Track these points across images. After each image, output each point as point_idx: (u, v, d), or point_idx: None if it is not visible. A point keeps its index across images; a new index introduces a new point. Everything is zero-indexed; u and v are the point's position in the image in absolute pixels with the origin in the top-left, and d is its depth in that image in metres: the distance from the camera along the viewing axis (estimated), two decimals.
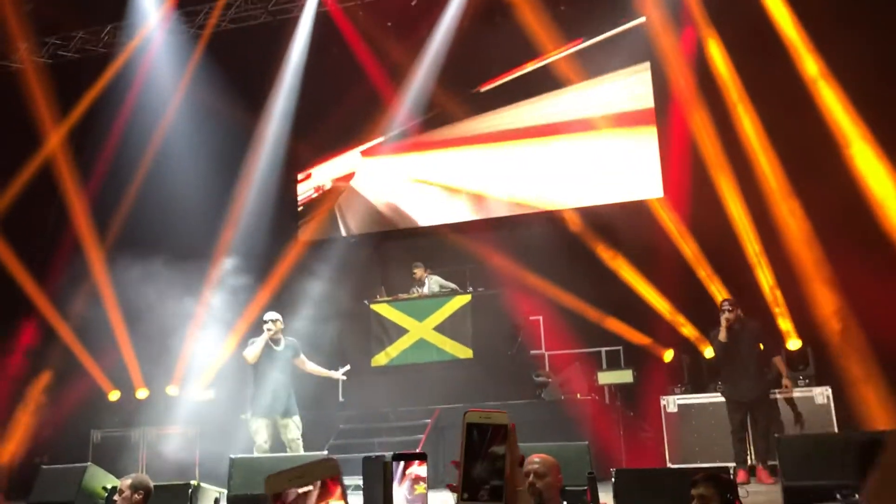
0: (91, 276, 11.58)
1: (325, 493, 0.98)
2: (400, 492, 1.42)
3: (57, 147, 11.90)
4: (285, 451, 7.62)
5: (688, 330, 10.04)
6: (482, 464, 0.99)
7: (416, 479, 1.42)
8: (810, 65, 9.99)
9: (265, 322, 7.88)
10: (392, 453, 1.41)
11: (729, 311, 7.95)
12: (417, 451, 1.40)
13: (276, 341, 7.86)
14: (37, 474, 7.31)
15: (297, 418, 7.75)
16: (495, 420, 1.01)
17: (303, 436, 7.80)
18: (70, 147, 11.99)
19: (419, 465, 1.45)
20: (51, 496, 6.92)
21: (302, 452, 7.45)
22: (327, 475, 0.98)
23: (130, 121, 12.09)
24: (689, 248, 10.31)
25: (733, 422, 8.00)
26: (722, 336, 7.96)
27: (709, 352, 9.49)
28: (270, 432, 7.64)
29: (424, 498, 1.43)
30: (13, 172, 11.58)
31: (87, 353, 11.18)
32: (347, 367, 8.50)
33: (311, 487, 0.97)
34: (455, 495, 0.99)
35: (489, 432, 1.01)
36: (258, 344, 7.79)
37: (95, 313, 11.21)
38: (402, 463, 1.42)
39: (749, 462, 7.96)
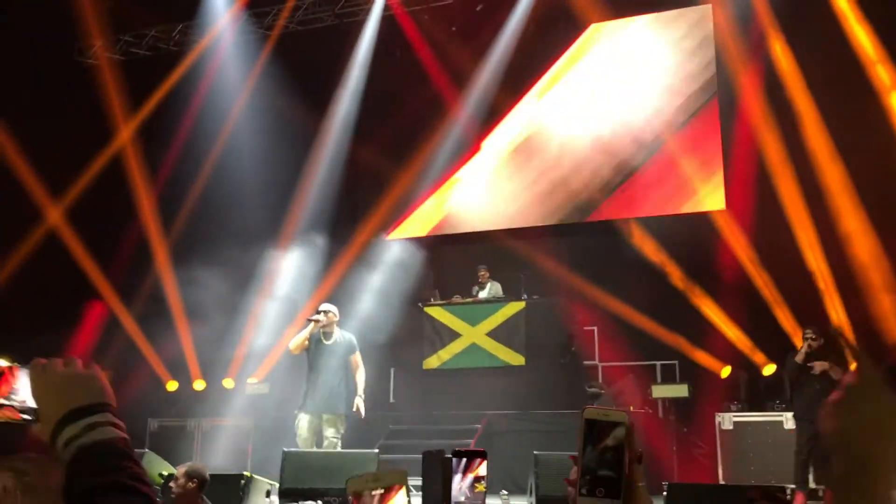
0: (155, 268, 11.87)
1: (390, 496, 1.13)
2: (460, 488, 1.43)
3: (127, 141, 12.23)
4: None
5: (745, 346, 9.83)
6: (599, 460, 1.00)
7: (478, 478, 1.42)
8: (883, 74, 9.71)
9: (317, 312, 7.51)
10: (453, 449, 1.41)
11: (813, 339, 7.73)
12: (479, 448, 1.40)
13: (327, 335, 7.43)
14: None
15: (340, 417, 7.29)
16: (614, 417, 1.02)
17: (347, 434, 7.46)
18: (139, 142, 12.31)
19: (480, 463, 1.45)
20: None
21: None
22: (397, 482, 1.13)
23: (198, 118, 12.36)
24: (750, 263, 10.09)
25: (800, 441, 7.73)
26: (799, 357, 7.74)
27: (768, 369, 9.28)
28: (314, 428, 7.26)
29: (483, 497, 1.43)
30: (85, 164, 11.93)
31: (148, 343, 11.46)
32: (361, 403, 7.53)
33: (382, 491, 1.12)
34: (572, 490, 1.00)
35: (606, 429, 1.02)
36: (302, 334, 7.47)
37: (158, 304, 11.49)
38: (463, 460, 1.43)
39: (809, 485, 7.74)
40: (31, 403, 1.16)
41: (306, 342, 7.43)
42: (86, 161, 11.98)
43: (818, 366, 7.63)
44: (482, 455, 1.46)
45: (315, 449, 7.17)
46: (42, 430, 1.14)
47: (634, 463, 1.01)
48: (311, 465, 6.47)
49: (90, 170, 11.95)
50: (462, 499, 1.43)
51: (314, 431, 7.27)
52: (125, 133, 12.22)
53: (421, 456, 2.79)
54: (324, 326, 7.40)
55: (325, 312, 7.42)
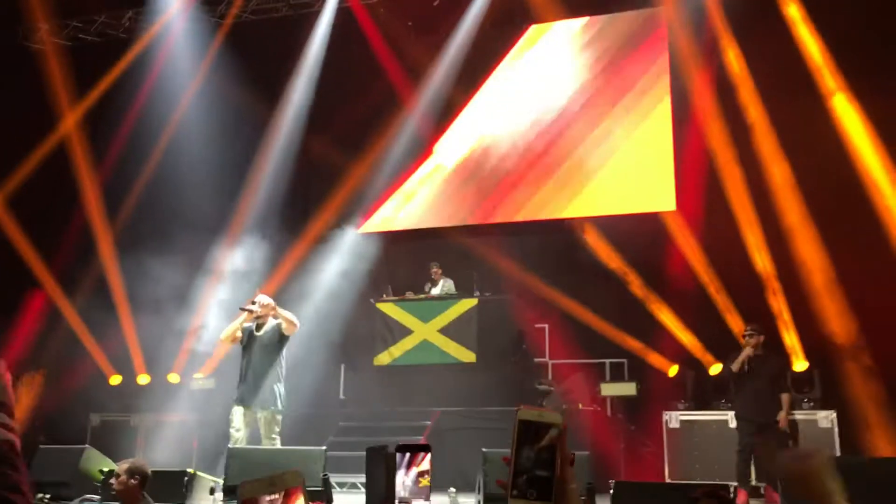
0: (99, 258, 11.59)
1: (288, 500, 1.08)
2: (404, 483, 1.38)
3: (72, 129, 11.91)
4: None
5: (693, 346, 9.96)
6: (532, 461, 0.98)
7: (421, 473, 1.38)
8: (829, 79, 9.93)
9: (252, 302, 7.11)
10: (396, 444, 1.37)
11: (749, 336, 7.84)
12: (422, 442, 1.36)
13: (259, 326, 7.07)
14: (34, 453, 7.30)
15: (273, 414, 6.90)
16: (548, 419, 1.00)
17: (294, 431, 7.31)
18: (85, 129, 12.00)
19: (423, 457, 1.41)
20: (48, 475, 6.91)
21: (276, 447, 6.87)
22: (294, 484, 1.08)
23: (146, 107, 12.10)
24: (699, 264, 10.23)
25: (741, 441, 7.84)
26: (735, 367, 7.81)
27: (714, 369, 9.42)
28: (246, 420, 6.89)
29: (428, 491, 1.39)
30: (28, 151, 11.59)
31: (91, 336, 11.18)
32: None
33: (278, 496, 1.06)
34: (505, 492, 0.97)
35: (541, 430, 1.00)
36: (234, 324, 7.14)
37: (102, 296, 11.21)
38: (407, 455, 1.39)
39: (752, 483, 7.86)
40: None
41: (238, 333, 7.13)
42: (29, 148, 11.64)
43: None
44: (426, 449, 1.42)
45: (250, 445, 6.93)
46: None
47: (567, 464, 0.99)
48: (256, 462, 6.37)
49: (33, 156, 11.62)
50: (406, 494, 1.39)
51: (248, 425, 6.92)
52: (70, 120, 11.90)
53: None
54: (258, 317, 7.07)
55: (263, 305, 7.04)
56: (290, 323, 7.01)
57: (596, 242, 10.82)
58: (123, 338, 11.07)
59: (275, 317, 7.08)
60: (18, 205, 11.28)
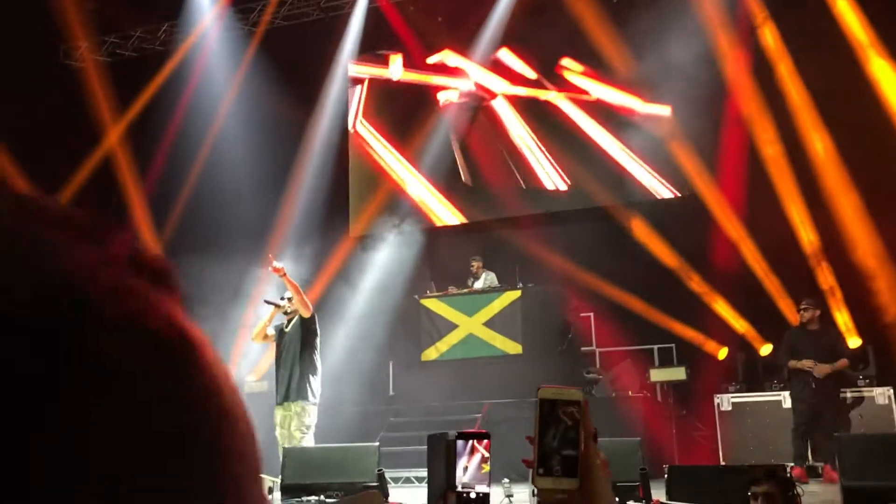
0: None
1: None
2: (466, 469, 1.42)
3: (116, 144, 12.18)
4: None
5: (742, 327, 9.85)
6: (556, 439, 1.00)
7: (483, 459, 1.41)
8: (864, 41, 9.73)
9: (281, 299, 6.98)
10: (456, 432, 1.41)
11: (804, 310, 7.87)
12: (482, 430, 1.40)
13: (289, 323, 6.98)
14: None
15: (301, 405, 6.75)
16: (568, 396, 1.02)
17: (342, 426, 7.34)
18: (128, 143, 12.26)
19: (484, 445, 1.44)
20: None
21: (306, 445, 6.75)
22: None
23: (186, 117, 12.32)
24: (745, 244, 10.12)
25: (797, 419, 7.80)
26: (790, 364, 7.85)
27: (765, 349, 9.31)
28: (282, 417, 6.86)
29: (489, 477, 1.43)
30: (74, 168, 11.87)
31: None
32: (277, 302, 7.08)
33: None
34: (531, 470, 0.99)
35: (563, 407, 1.02)
36: (262, 320, 7.08)
37: None
38: (467, 442, 1.42)
39: (808, 461, 7.78)
40: None
41: (269, 331, 7.04)
42: (76, 164, 11.92)
43: (818, 370, 7.67)
44: (486, 436, 1.46)
45: (321, 445, 7.08)
46: None
47: (590, 440, 1.00)
48: (311, 461, 6.46)
49: (80, 173, 11.90)
50: (467, 480, 1.43)
51: (284, 422, 6.89)
52: (114, 135, 12.17)
53: (424, 446, 2.77)
54: (289, 314, 6.97)
55: (289, 298, 6.91)
56: (302, 304, 6.79)
57: (640, 228, 10.74)
58: None
59: (290, 301, 6.89)
60: None
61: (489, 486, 1.44)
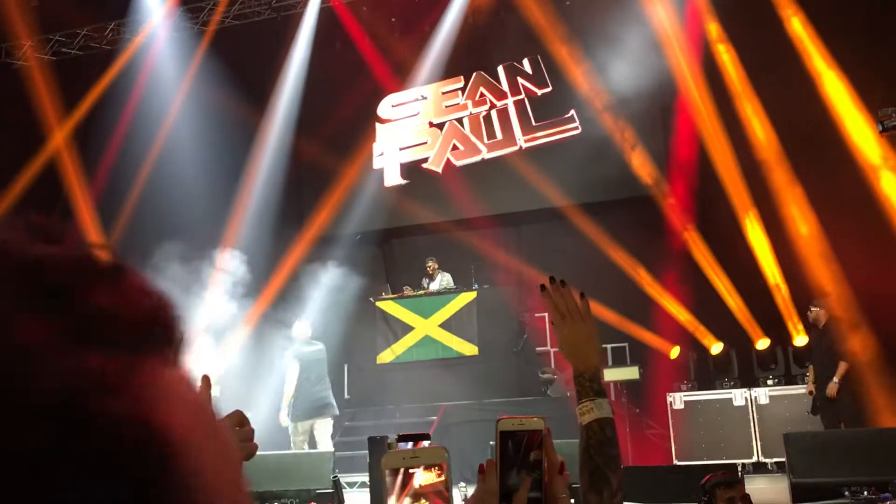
0: None
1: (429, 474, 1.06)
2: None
3: (61, 144, 11.88)
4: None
5: (694, 326, 9.99)
6: (519, 475, 0.96)
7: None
8: (818, 61, 9.95)
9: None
10: (397, 434, 1.38)
11: (809, 311, 8.13)
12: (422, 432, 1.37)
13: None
14: None
15: (322, 421, 8.17)
16: (529, 426, 0.98)
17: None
18: (74, 144, 11.97)
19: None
20: None
21: (305, 450, 7.38)
22: (436, 462, 1.04)
23: (135, 118, 12.07)
24: (694, 243, 10.25)
25: (812, 405, 8.02)
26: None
27: (716, 348, 9.44)
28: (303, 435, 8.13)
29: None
30: (18, 170, 11.56)
31: None
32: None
33: (419, 469, 1.04)
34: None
35: (525, 440, 0.98)
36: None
37: None
38: (409, 444, 1.39)
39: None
40: None
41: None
42: (20, 166, 11.61)
43: (828, 391, 7.77)
44: (425, 437, 1.43)
45: (267, 452, 7.04)
46: None
47: (555, 474, 0.97)
48: (266, 468, 6.39)
49: (25, 174, 11.59)
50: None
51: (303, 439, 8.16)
52: (59, 135, 11.87)
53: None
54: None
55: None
56: None
57: (592, 228, 10.81)
58: None
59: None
60: None
61: None
